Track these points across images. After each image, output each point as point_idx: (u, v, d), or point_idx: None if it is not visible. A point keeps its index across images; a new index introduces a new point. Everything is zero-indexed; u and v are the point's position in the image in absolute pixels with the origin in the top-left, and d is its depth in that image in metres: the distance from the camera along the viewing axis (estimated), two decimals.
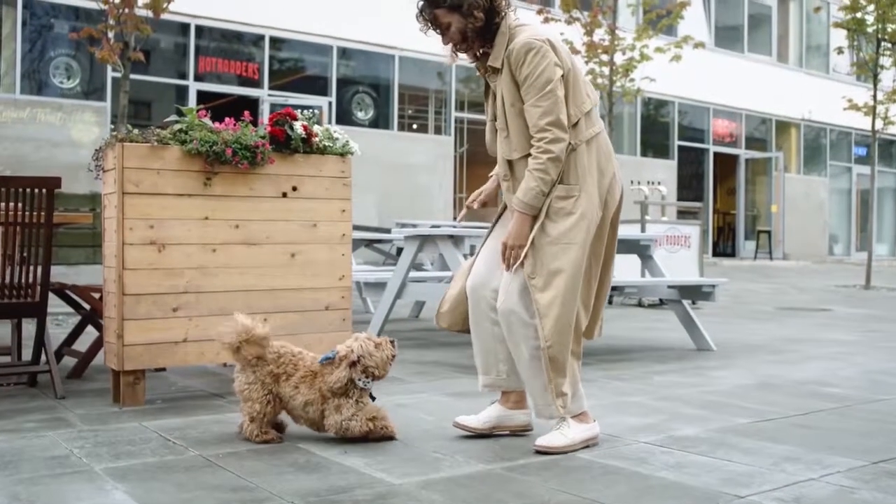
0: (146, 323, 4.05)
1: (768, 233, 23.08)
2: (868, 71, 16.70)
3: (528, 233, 3.26)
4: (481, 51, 3.39)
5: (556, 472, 2.98)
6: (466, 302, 3.50)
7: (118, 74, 10.85)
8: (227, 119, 4.41)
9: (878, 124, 16.30)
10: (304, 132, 4.50)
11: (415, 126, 17.89)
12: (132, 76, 10.85)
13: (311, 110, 4.68)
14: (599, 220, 3.33)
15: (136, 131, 4.15)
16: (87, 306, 5.09)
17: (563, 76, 3.26)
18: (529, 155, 3.25)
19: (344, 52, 16.55)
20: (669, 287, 6.60)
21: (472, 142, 18.52)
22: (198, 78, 14.90)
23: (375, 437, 3.36)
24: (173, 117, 4.32)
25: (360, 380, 3.33)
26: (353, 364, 3.31)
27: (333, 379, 3.28)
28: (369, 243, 9.96)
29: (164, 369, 4.91)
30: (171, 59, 15.00)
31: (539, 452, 3.22)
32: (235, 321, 3.37)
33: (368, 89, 17.03)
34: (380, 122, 17.00)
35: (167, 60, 14.96)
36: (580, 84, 3.35)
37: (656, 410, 4.08)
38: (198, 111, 4.36)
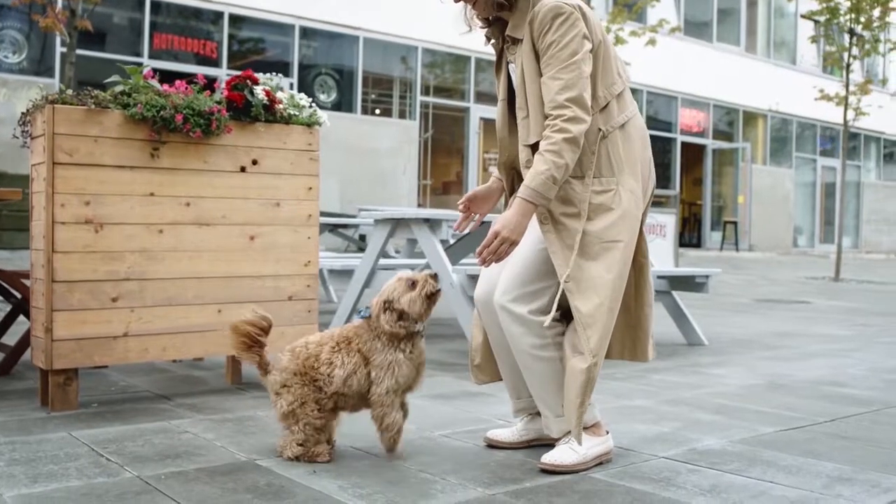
0: (79, 314, 3.48)
1: (735, 223, 22.84)
2: (839, 62, 16.47)
3: (527, 225, 2.74)
4: (494, 15, 2.87)
5: (573, 498, 2.47)
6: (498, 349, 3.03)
7: (66, 50, 10.15)
8: (178, 82, 3.85)
9: (850, 115, 16.06)
10: (266, 98, 3.95)
11: (377, 111, 17.29)
12: (84, 52, 10.18)
13: (276, 75, 4.12)
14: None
15: (69, 91, 3.57)
16: (18, 294, 4.50)
17: (592, 50, 2.74)
18: None
19: (306, 32, 15.90)
20: (659, 277, 6.14)
21: (438, 127, 17.99)
22: (153, 56, 14.16)
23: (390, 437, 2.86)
24: (115, 77, 3.75)
25: (400, 325, 2.79)
26: (385, 310, 2.79)
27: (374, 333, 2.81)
28: (333, 228, 9.40)
29: (105, 366, 4.34)
30: (126, 35, 14.25)
31: (545, 471, 2.72)
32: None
33: (331, 71, 16.40)
34: (343, 105, 16.39)
35: (121, 37, 14.22)
36: (611, 61, 2.83)
37: (666, 416, 3.61)
38: (144, 72, 3.79)
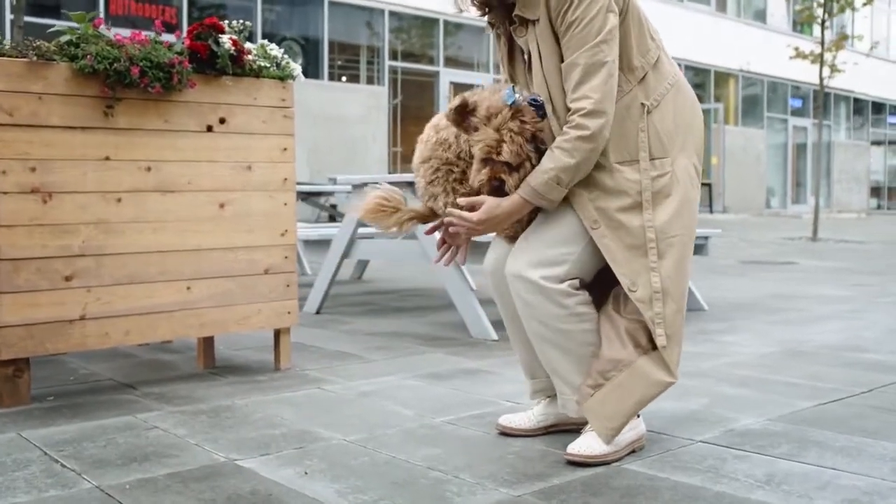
0: (28, 296, 3.06)
1: (708, 185, 22.64)
2: (811, 18, 16.18)
3: (510, 222, 2.43)
4: None
5: (612, 497, 2.12)
6: None
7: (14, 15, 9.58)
8: (132, 32, 3.41)
9: (825, 72, 15.80)
10: (233, 48, 3.52)
11: (344, 78, 16.78)
12: (35, 20, 9.62)
13: (241, 22, 3.69)
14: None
15: (6, 41, 3.12)
16: None
17: (621, 18, 2.36)
18: None
19: None
20: None
21: (407, 93, 17.52)
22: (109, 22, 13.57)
23: None
24: (61, 25, 3.31)
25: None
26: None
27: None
28: (305, 196, 8.97)
29: (63, 352, 3.92)
30: (79, 1, 13.63)
31: (573, 464, 2.37)
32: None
33: (297, 37, 15.86)
34: (309, 72, 15.85)
35: (75, 3, 13.59)
36: (644, 26, 2.44)
37: (690, 391, 3.26)
38: (94, 19, 3.35)
